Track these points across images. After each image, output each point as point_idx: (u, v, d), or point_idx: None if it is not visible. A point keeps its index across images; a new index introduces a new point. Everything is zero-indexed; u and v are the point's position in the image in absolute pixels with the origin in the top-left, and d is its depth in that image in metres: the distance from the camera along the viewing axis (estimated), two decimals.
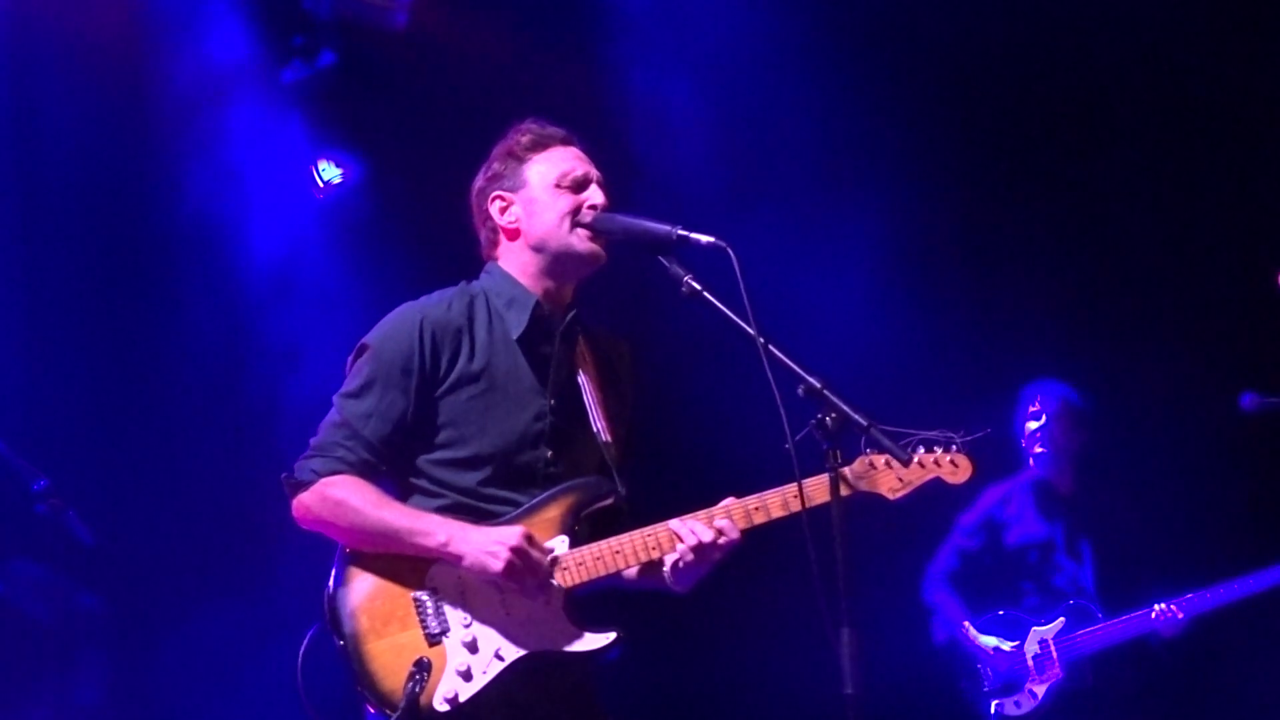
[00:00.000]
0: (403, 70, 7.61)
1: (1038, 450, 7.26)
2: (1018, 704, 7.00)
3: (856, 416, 3.68)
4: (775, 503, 3.96)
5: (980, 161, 8.09)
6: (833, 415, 3.68)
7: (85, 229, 7.11)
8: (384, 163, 7.66)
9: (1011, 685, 7.02)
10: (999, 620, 7.12)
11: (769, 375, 3.72)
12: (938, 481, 3.99)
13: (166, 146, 7.26)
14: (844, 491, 3.82)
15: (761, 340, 3.77)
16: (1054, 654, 6.99)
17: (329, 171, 7.60)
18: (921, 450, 3.96)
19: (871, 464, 3.98)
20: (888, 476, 3.97)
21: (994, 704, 7.05)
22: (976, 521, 7.25)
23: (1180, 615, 6.87)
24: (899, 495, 3.99)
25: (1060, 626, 7.01)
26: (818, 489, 3.83)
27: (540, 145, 4.17)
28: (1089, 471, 7.28)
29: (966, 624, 7.13)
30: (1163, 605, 6.89)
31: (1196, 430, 7.61)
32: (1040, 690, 6.99)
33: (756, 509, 3.98)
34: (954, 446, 3.97)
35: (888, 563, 7.22)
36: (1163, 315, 7.96)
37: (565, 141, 4.19)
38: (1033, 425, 7.27)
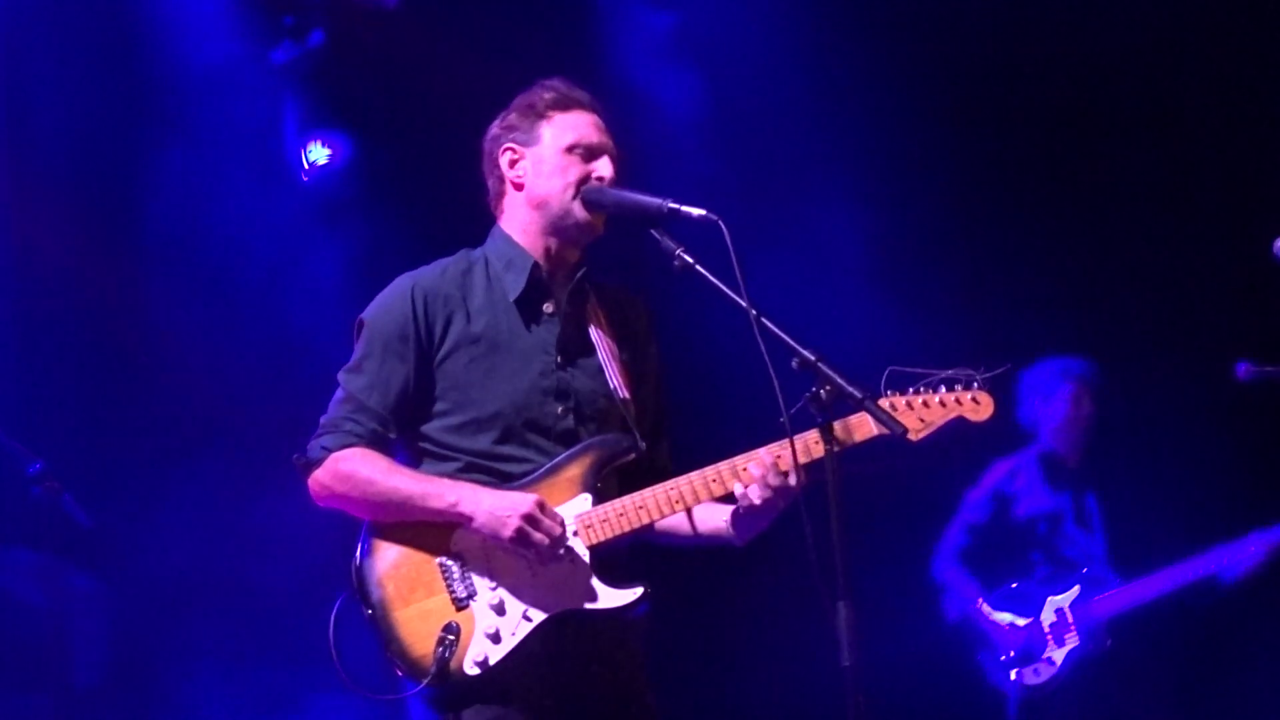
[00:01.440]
0: (393, 49, 7.59)
1: (1047, 424, 7.29)
2: (1036, 672, 7.03)
3: (851, 389, 3.66)
4: (801, 449, 3.83)
5: (971, 136, 8.08)
6: (827, 388, 3.66)
7: (75, 211, 7.11)
8: (374, 142, 7.64)
9: (1029, 655, 7.06)
10: (1012, 594, 7.15)
11: (762, 348, 3.71)
12: (960, 421, 3.92)
13: (156, 127, 7.26)
14: (864, 436, 3.82)
15: (754, 313, 3.76)
16: (1070, 621, 7.03)
17: (316, 153, 7.59)
18: (943, 389, 3.91)
19: (892, 404, 3.89)
20: (909, 417, 3.88)
21: (1013, 672, 7.08)
22: (984, 496, 7.28)
23: (1254, 549, 6.89)
24: (921, 435, 3.91)
25: (1076, 594, 7.05)
26: (845, 430, 3.78)
27: (561, 105, 4.13)
28: (1096, 443, 7.30)
29: (980, 601, 7.15)
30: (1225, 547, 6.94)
31: (1194, 400, 7.63)
32: (1059, 657, 7.02)
33: (780, 456, 3.89)
34: (975, 384, 3.91)
35: (891, 542, 7.26)
36: (1157, 285, 7.96)
37: (588, 107, 4.16)
38: (1041, 399, 7.29)
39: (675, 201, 3.92)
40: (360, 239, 7.32)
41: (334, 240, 7.41)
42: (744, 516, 3.99)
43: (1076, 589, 7.05)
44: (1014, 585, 7.16)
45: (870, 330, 7.21)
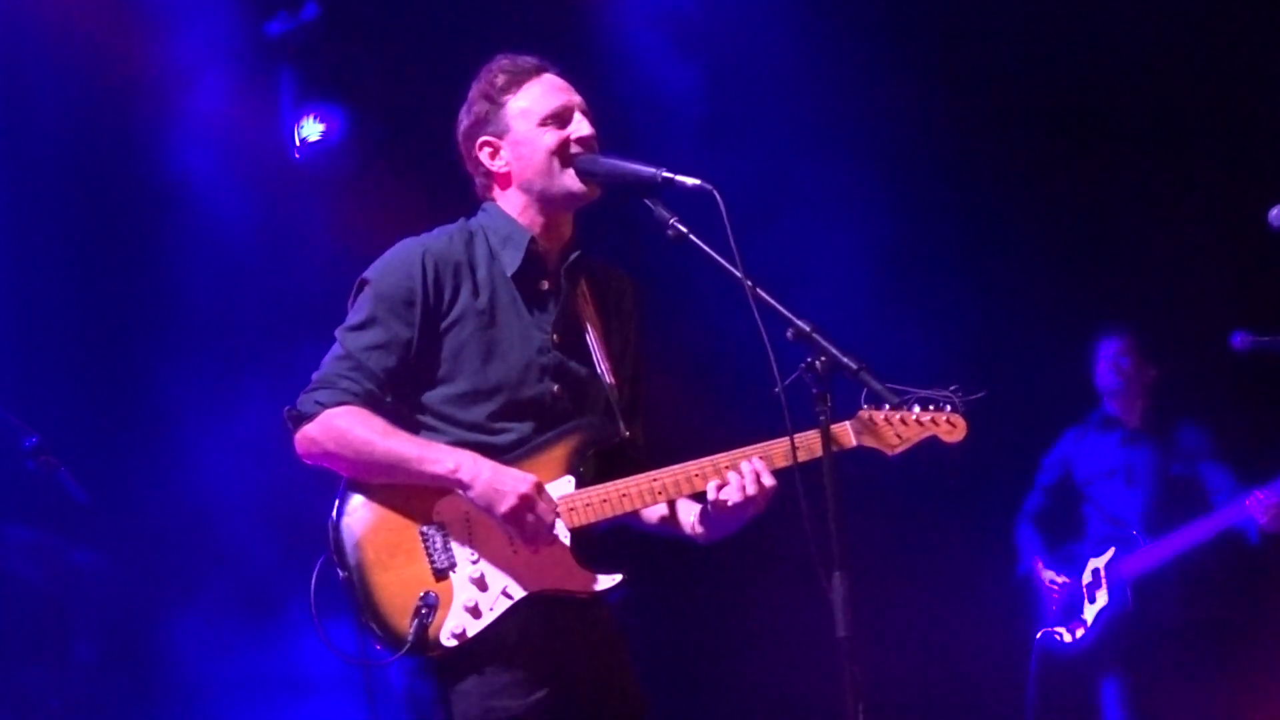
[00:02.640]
0: (387, 20, 7.57)
1: (1103, 388, 7.54)
2: (1072, 631, 7.26)
3: (846, 360, 3.68)
4: (778, 453, 3.95)
5: (970, 119, 8.07)
6: (822, 359, 3.67)
7: (71, 184, 7.10)
8: (369, 114, 7.62)
9: (1069, 614, 7.30)
10: (1067, 554, 7.42)
11: (757, 319, 3.71)
12: (934, 439, 4.03)
13: (151, 101, 7.24)
14: (843, 446, 3.90)
15: (749, 283, 3.76)
16: (1103, 580, 7.21)
17: (308, 128, 7.57)
18: (918, 408, 4.00)
19: (871, 419, 4.00)
20: (887, 432, 4.00)
21: (1041, 632, 7.32)
22: (1055, 458, 7.63)
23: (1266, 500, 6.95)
24: (897, 451, 4.03)
25: (1111, 555, 7.23)
26: (817, 441, 3.80)
27: (515, 83, 4.10)
28: (1156, 406, 7.49)
29: (1038, 560, 7.47)
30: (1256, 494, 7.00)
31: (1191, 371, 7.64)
32: (1090, 615, 7.24)
33: (762, 458, 3.97)
34: (949, 406, 4.01)
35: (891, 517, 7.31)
36: (1155, 255, 7.95)
37: (539, 71, 4.12)
38: (1097, 365, 7.55)
39: (669, 171, 3.91)
40: (355, 212, 7.30)
41: (330, 213, 7.38)
42: (714, 518, 4.02)
43: (1112, 550, 7.24)
44: (1076, 547, 7.41)
45: (872, 314, 7.22)
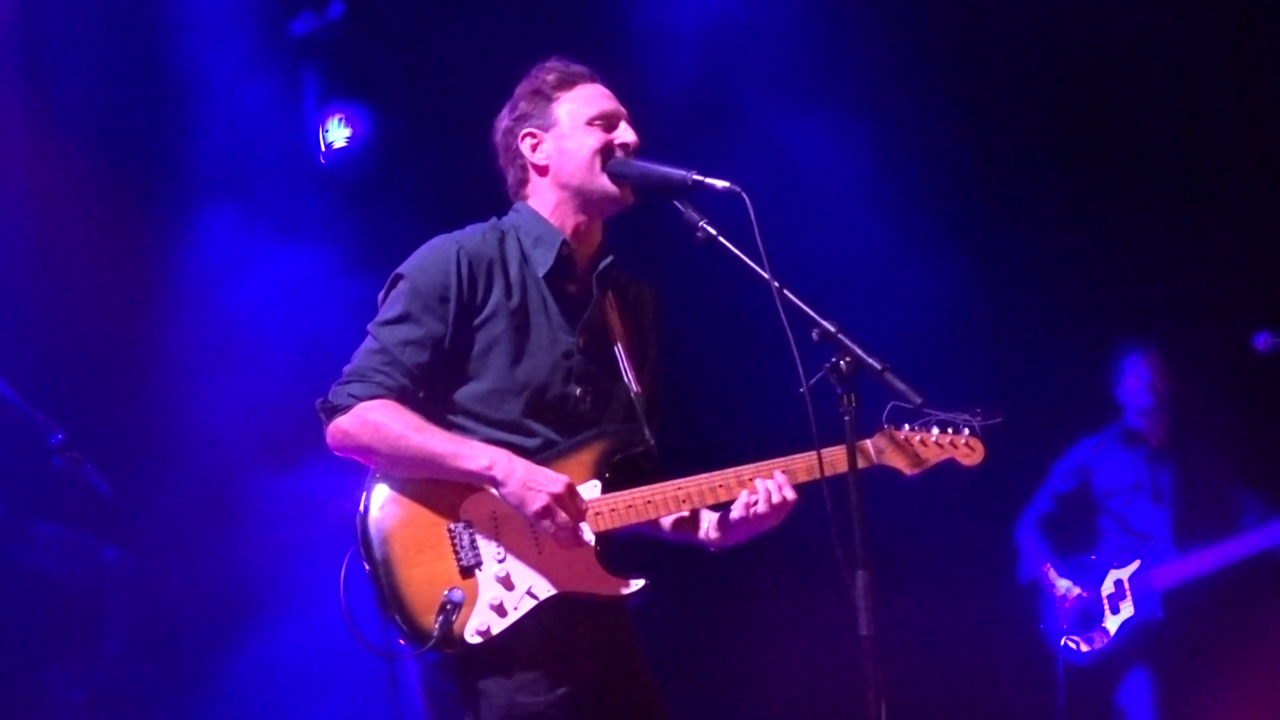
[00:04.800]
0: (412, 19, 7.58)
1: (1128, 403, 7.50)
2: (1090, 641, 7.23)
3: (870, 360, 3.72)
4: (801, 467, 4.00)
5: (991, 114, 8.07)
6: (847, 359, 3.72)
7: (96, 178, 7.11)
8: (394, 113, 7.63)
9: (1084, 624, 7.26)
10: (1080, 564, 7.37)
11: (783, 319, 3.75)
12: (951, 462, 4.11)
13: (177, 94, 7.26)
14: (862, 464, 3.91)
15: (776, 285, 3.80)
16: (1128, 592, 7.19)
17: (334, 132, 7.58)
18: (937, 430, 4.09)
19: (891, 438, 4.08)
20: (906, 452, 4.08)
21: (1063, 641, 7.27)
22: (1070, 467, 7.56)
23: None
24: (915, 472, 4.11)
25: (1136, 568, 7.21)
26: (840, 457, 3.84)
27: (568, 83, 4.17)
28: (1180, 422, 7.48)
29: (1048, 566, 7.40)
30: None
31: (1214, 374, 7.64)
32: (1113, 626, 7.20)
33: (785, 471, 4.03)
34: (967, 430, 4.09)
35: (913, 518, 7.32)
36: (1176, 256, 7.94)
37: (591, 79, 4.20)
38: (1122, 379, 7.51)
39: (699, 174, 3.95)
40: (379, 212, 7.32)
41: (353, 214, 7.40)
42: (733, 527, 4.08)
43: (1138, 562, 7.21)
44: (1091, 557, 7.37)
45: (895, 315, 7.23)
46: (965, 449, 4.10)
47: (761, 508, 3.99)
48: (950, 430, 4.08)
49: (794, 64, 7.75)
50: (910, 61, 7.87)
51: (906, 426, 4.05)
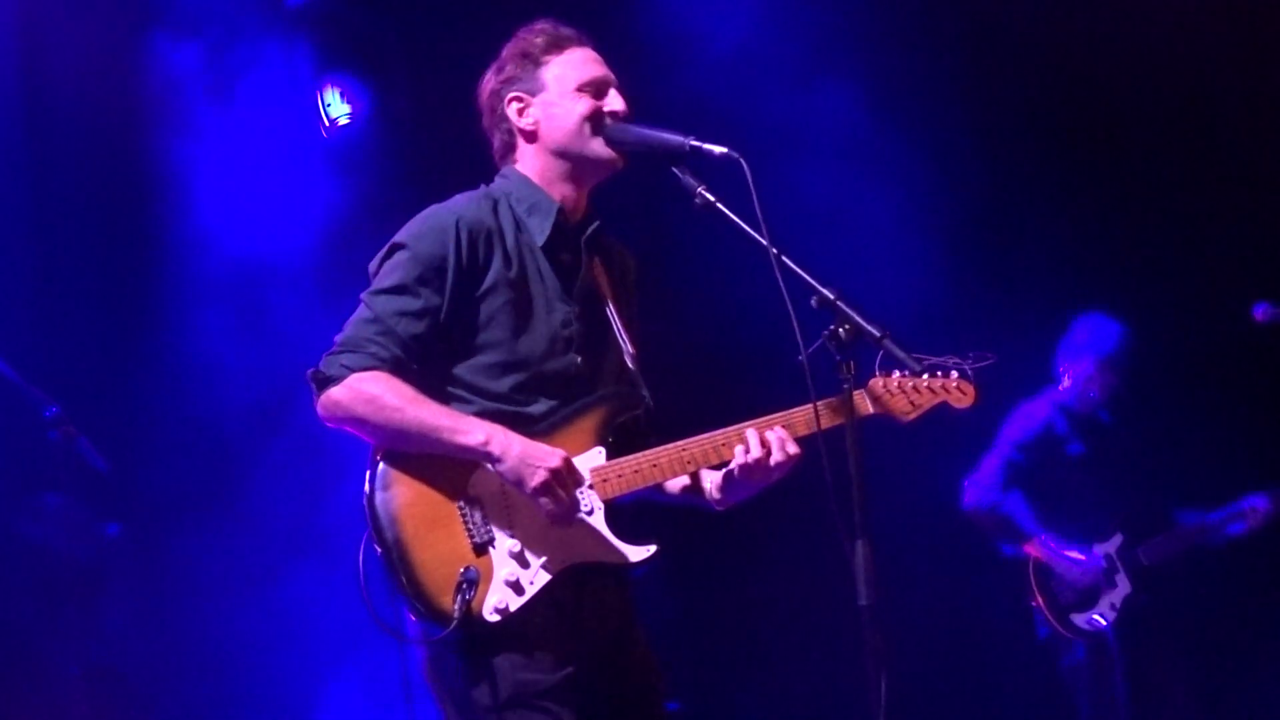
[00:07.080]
0: None
1: (1078, 380, 7.28)
2: (1104, 616, 7.06)
3: (869, 327, 3.68)
4: (800, 421, 3.96)
5: (997, 96, 8.07)
6: (846, 326, 3.68)
7: (92, 156, 7.11)
8: (392, 85, 7.61)
9: (1089, 599, 7.10)
10: (1062, 533, 7.14)
11: (781, 286, 3.72)
12: (944, 405, 4.08)
13: (171, 74, 7.25)
14: (861, 412, 3.92)
15: (774, 251, 3.76)
16: (1119, 565, 7.09)
17: (336, 109, 7.55)
18: (928, 375, 4.04)
19: (885, 385, 4.03)
20: (900, 400, 4.04)
21: (1071, 617, 7.10)
22: (1027, 438, 7.24)
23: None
24: (910, 418, 4.07)
25: (1120, 541, 7.12)
26: (833, 409, 3.86)
27: (556, 46, 4.09)
28: (1121, 399, 7.31)
29: (1044, 537, 7.13)
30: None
31: (1212, 344, 7.63)
32: (1118, 601, 7.07)
33: (785, 426, 3.98)
34: (958, 373, 4.06)
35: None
36: (1175, 227, 7.93)
37: (581, 42, 4.13)
38: (1079, 356, 7.29)
39: (697, 139, 3.91)
40: (378, 182, 7.30)
41: (352, 184, 7.38)
42: (737, 483, 4.03)
43: (1119, 536, 7.12)
44: (1062, 523, 7.14)
45: (899, 284, 7.21)
46: (957, 392, 4.07)
47: (761, 457, 3.93)
48: (941, 374, 4.06)
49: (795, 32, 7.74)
50: (913, 34, 7.85)
51: (898, 373, 4.01)
